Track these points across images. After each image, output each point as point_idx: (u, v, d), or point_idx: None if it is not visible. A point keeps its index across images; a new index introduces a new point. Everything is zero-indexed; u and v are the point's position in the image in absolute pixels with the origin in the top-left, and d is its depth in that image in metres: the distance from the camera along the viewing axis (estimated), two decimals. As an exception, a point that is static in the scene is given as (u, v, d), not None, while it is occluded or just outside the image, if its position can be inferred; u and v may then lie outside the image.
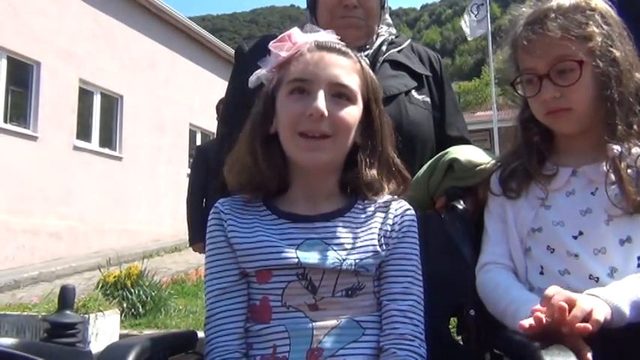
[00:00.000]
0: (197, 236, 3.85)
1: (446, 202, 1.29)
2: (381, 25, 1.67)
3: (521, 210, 1.18)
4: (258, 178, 1.09)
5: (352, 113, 1.08)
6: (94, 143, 10.18)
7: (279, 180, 1.10)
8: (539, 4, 1.19)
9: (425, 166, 1.36)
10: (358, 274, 1.03)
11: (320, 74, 1.07)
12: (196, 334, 1.14)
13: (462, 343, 1.26)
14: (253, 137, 1.10)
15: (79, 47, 9.71)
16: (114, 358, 0.90)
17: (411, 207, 1.13)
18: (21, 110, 8.95)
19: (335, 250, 1.03)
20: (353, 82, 1.09)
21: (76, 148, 9.59)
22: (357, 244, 1.05)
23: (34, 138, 8.84)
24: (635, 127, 1.12)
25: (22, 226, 8.31)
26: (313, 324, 0.99)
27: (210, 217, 1.10)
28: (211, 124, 9.29)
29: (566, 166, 1.17)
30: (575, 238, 1.10)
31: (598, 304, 0.92)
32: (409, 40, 1.73)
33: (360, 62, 1.14)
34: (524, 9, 1.21)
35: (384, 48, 1.62)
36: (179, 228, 7.51)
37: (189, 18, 13.64)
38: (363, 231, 1.07)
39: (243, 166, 1.10)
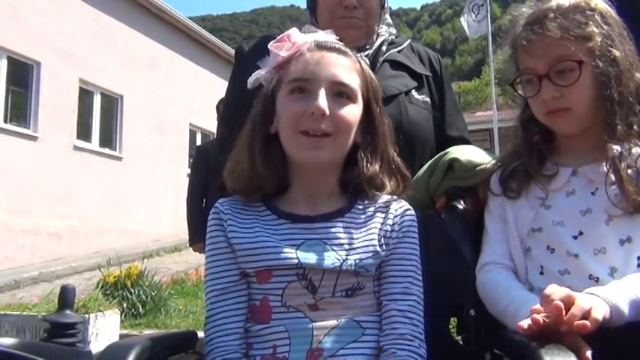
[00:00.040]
0: (197, 236, 3.85)
1: (446, 202, 1.29)
2: (381, 25, 1.67)
3: (521, 210, 1.18)
4: (256, 182, 1.09)
5: (353, 112, 1.09)
6: (94, 143, 10.18)
7: (278, 180, 1.10)
8: (539, 4, 1.19)
9: (425, 166, 1.36)
10: (358, 275, 1.03)
11: (320, 73, 1.07)
12: (196, 334, 1.14)
13: (462, 343, 1.26)
14: (253, 138, 1.10)
15: (79, 47, 9.71)
16: (114, 358, 0.90)
17: (411, 207, 1.13)
18: (21, 110, 8.95)
19: (335, 251, 1.03)
20: (353, 81, 1.10)
21: (76, 148, 9.59)
22: (357, 245, 1.05)
23: (34, 138, 8.84)
24: (635, 127, 1.12)
25: (22, 226, 8.31)
26: (313, 324, 0.99)
27: (210, 217, 1.10)
28: (211, 124, 9.31)
29: (567, 166, 1.17)
30: (575, 238, 1.10)
31: (597, 302, 0.92)
32: (409, 41, 1.73)
33: (359, 62, 1.14)
34: (524, 9, 1.21)
35: (384, 48, 1.62)
36: (179, 228, 7.51)
37: (189, 18, 13.65)
38: (363, 231, 1.07)
39: (241, 169, 1.10)
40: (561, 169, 1.17)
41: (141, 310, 5.00)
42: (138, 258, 7.24)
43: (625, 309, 0.94)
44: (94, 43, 10.07)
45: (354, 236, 1.06)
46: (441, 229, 1.25)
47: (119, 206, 10.15)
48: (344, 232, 1.06)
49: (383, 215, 1.10)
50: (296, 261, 1.01)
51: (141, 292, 5.09)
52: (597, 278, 1.05)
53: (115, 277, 5.12)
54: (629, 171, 1.08)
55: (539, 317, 0.89)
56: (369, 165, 1.10)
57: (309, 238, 1.04)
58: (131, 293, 5.04)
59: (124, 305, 4.91)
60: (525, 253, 1.16)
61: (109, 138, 10.59)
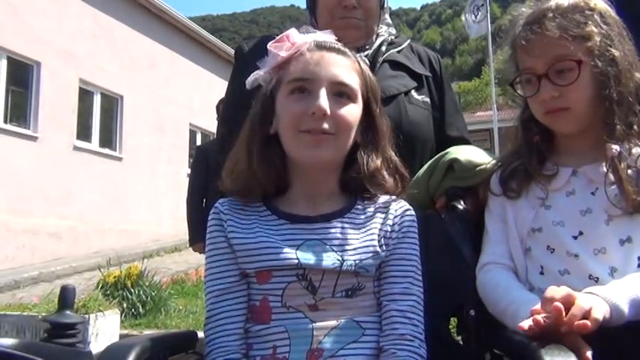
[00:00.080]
0: (197, 236, 3.85)
1: (446, 202, 1.29)
2: (380, 26, 1.67)
3: (521, 210, 1.18)
4: (252, 182, 1.09)
5: (353, 112, 1.09)
6: (94, 143, 10.18)
7: (278, 181, 1.10)
8: (539, 4, 1.19)
9: (425, 166, 1.36)
10: (358, 275, 1.03)
11: (321, 73, 1.07)
12: (196, 334, 1.14)
13: (462, 343, 1.26)
14: (252, 138, 1.10)
15: (79, 47, 9.71)
16: (114, 359, 0.90)
17: (410, 207, 1.13)
18: (21, 110, 8.95)
19: (335, 251, 1.03)
20: (353, 80, 1.10)
21: (76, 148, 9.59)
22: (357, 245, 1.05)
23: (34, 138, 8.84)
24: (635, 127, 1.12)
25: (22, 226, 8.31)
26: (313, 324, 0.99)
27: (210, 218, 1.10)
28: (211, 124, 9.31)
29: (567, 166, 1.17)
30: (575, 238, 1.10)
31: (597, 302, 0.92)
32: (409, 41, 1.73)
33: (358, 62, 1.14)
34: (524, 9, 1.21)
35: (383, 48, 1.62)
36: (179, 228, 7.51)
37: (189, 18, 13.65)
38: (363, 231, 1.07)
39: (240, 170, 1.10)
40: (561, 169, 1.17)
41: (141, 310, 5.00)
42: (138, 258, 7.25)
43: (625, 308, 0.94)
44: (94, 43, 10.07)
45: (354, 236, 1.06)
46: (441, 229, 1.25)
47: (119, 206, 10.15)
48: (344, 233, 1.06)
49: (383, 215, 1.10)
50: (296, 261, 1.01)
51: (141, 292, 5.09)
52: (597, 278, 1.05)
53: (115, 277, 5.12)
54: (629, 171, 1.08)
55: (541, 318, 0.89)
56: (370, 161, 1.10)
57: (309, 238, 1.04)
58: (131, 293, 5.04)
59: (124, 305, 4.91)
60: (525, 253, 1.16)
61: (109, 138, 10.59)
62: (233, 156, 1.13)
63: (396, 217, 1.10)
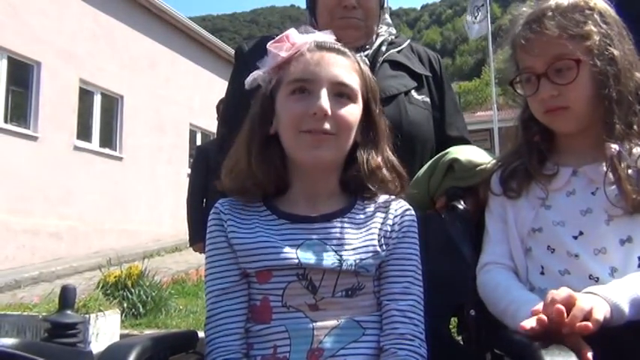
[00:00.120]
0: (197, 236, 3.85)
1: (446, 202, 1.29)
2: (380, 25, 1.67)
3: (521, 210, 1.18)
4: (250, 182, 1.09)
5: (353, 112, 1.09)
6: (95, 143, 10.18)
7: (277, 181, 1.10)
8: (539, 3, 1.19)
9: (425, 166, 1.37)
10: (358, 275, 1.03)
11: (321, 74, 1.07)
12: (197, 333, 1.14)
13: (462, 343, 1.26)
14: (251, 138, 1.11)
15: (79, 47, 9.71)
16: (115, 358, 0.90)
17: (410, 207, 1.13)
18: (21, 110, 8.95)
19: (335, 251, 1.03)
20: (353, 81, 1.10)
21: (76, 148, 9.59)
22: (357, 245, 1.05)
23: (34, 138, 8.84)
24: (634, 126, 1.12)
25: (23, 226, 8.31)
26: (313, 324, 0.99)
27: (210, 218, 1.10)
28: (211, 124, 9.31)
29: (567, 165, 1.17)
30: (575, 238, 1.10)
31: (597, 302, 0.92)
32: (408, 41, 1.73)
33: (358, 62, 1.14)
34: (524, 8, 1.21)
35: (383, 48, 1.62)
36: (179, 228, 7.50)
37: (189, 18, 13.65)
38: (363, 231, 1.07)
39: (239, 169, 1.10)
40: (561, 168, 1.17)
41: (141, 310, 5.00)
42: (138, 258, 7.25)
43: (625, 308, 0.94)
44: (94, 43, 10.07)
45: (354, 236, 1.06)
46: (441, 229, 1.25)
47: (119, 206, 10.15)
48: (344, 233, 1.06)
49: (383, 215, 1.10)
50: (296, 261, 1.01)
51: (141, 292, 5.09)
52: (597, 278, 1.05)
53: (115, 277, 5.12)
54: (629, 171, 1.08)
55: (544, 317, 0.89)
56: (370, 159, 1.10)
57: (309, 238, 1.05)
58: (131, 293, 5.03)
59: (125, 305, 4.91)
60: (526, 253, 1.16)
61: (109, 138, 10.59)
62: (232, 155, 1.13)
63: (396, 216, 1.10)
